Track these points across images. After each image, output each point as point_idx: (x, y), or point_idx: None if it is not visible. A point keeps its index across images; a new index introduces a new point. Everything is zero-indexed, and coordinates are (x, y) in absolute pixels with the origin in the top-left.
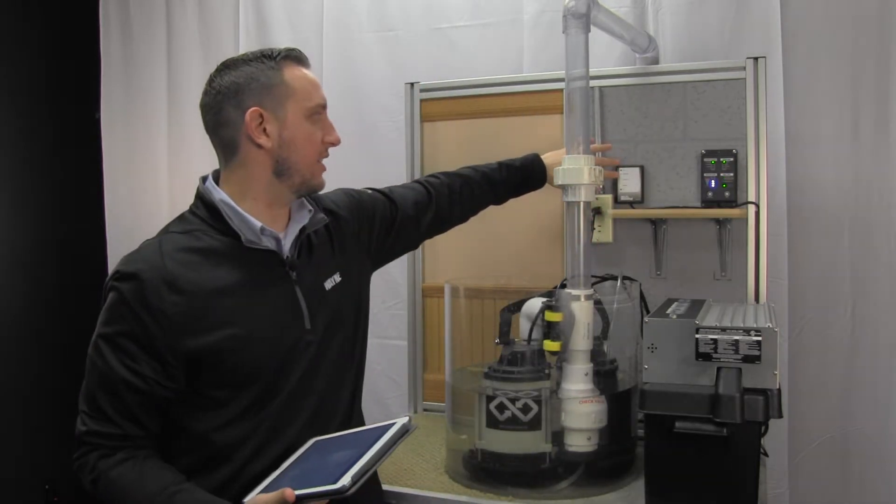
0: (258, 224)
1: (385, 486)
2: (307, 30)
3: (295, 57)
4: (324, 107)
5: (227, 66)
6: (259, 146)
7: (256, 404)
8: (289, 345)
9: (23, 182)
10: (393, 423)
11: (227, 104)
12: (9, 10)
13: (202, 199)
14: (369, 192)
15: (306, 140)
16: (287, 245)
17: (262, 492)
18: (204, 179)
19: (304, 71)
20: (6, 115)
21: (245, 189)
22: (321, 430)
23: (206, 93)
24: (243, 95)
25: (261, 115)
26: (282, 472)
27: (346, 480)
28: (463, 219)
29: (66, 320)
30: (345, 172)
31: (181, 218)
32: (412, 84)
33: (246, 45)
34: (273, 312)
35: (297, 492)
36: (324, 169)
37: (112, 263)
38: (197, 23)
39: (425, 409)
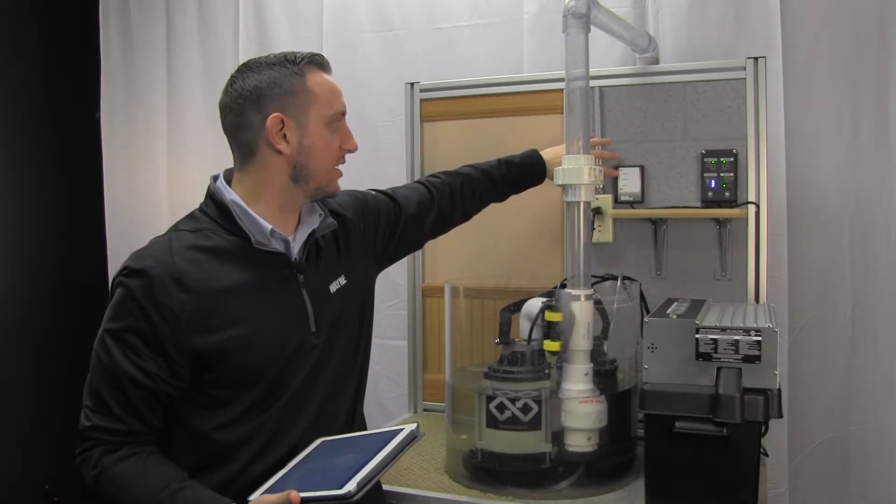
0: (268, 226)
1: (385, 486)
2: (307, 30)
3: (318, 63)
4: (343, 114)
5: (249, 68)
6: (278, 152)
7: (259, 405)
8: (294, 347)
9: (23, 182)
10: (401, 430)
11: (247, 107)
12: (9, 11)
13: (213, 199)
14: (373, 193)
15: (325, 147)
16: (296, 248)
17: (266, 491)
18: (215, 178)
19: (327, 77)
20: (6, 115)
21: (258, 191)
22: (323, 431)
23: (226, 93)
24: (265, 100)
25: (282, 122)
26: (287, 472)
27: (351, 486)
28: (465, 217)
29: (66, 320)
30: (345, 172)
31: (191, 216)
32: (412, 84)
33: (246, 45)
34: (279, 314)
35: (303, 494)
36: (340, 175)
37: (112, 263)
38: (197, 23)
39: (425, 409)
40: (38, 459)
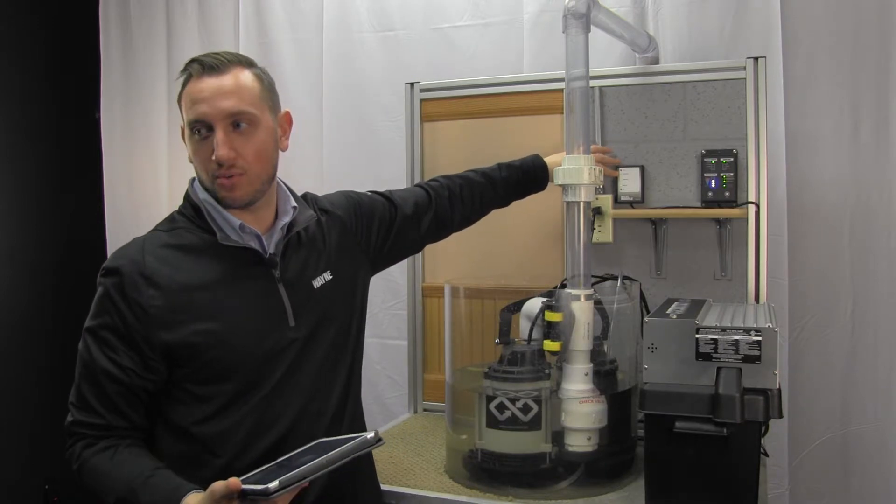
0: (237, 221)
1: (385, 487)
2: (307, 30)
3: (192, 71)
4: (199, 121)
5: None
6: None
7: (238, 400)
8: (270, 341)
9: (23, 182)
10: (358, 436)
11: None
12: (9, 11)
13: (189, 200)
14: (369, 193)
15: (193, 155)
16: (272, 242)
17: (244, 481)
18: (192, 181)
19: (196, 83)
20: (6, 115)
21: None
22: (310, 427)
23: None
24: None
25: (182, 130)
26: (267, 466)
27: (273, 484)
28: (466, 221)
29: (65, 320)
30: (345, 172)
31: (170, 218)
32: (412, 84)
33: (246, 45)
34: (252, 309)
35: (243, 485)
36: (224, 185)
37: None
38: (197, 23)
39: (425, 409)
40: (38, 459)
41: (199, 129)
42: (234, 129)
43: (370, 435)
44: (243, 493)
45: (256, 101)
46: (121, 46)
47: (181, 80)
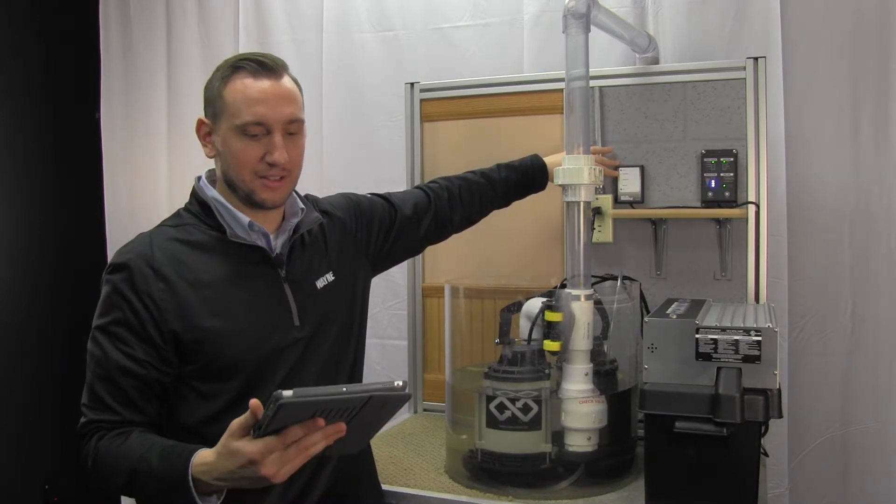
0: (246, 219)
1: (385, 487)
2: (307, 30)
3: (245, 68)
4: (257, 124)
5: (217, 68)
6: (211, 154)
7: (243, 398)
8: (275, 340)
9: (23, 182)
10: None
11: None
12: (9, 10)
13: (196, 197)
14: (368, 195)
15: (235, 155)
16: (279, 243)
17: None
18: (199, 179)
19: (248, 83)
20: (6, 115)
21: (224, 189)
22: None
23: None
24: (204, 101)
25: (204, 125)
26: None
27: (287, 392)
28: (467, 221)
29: (66, 320)
30: (345, 172)
31: (176, 214)
32: (412, 84)
33: (246, 45)
34: (258, 307)
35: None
36: (269, 186)
37: None
38: (197, 23)
39: (425, 409)
40: (38, 459)
41: (255, 131)
42: (288, 134)
43: (399, 382)
44: (258, 425)
45: (302, 108)
46: (121, 46)
47: (221, 74)
